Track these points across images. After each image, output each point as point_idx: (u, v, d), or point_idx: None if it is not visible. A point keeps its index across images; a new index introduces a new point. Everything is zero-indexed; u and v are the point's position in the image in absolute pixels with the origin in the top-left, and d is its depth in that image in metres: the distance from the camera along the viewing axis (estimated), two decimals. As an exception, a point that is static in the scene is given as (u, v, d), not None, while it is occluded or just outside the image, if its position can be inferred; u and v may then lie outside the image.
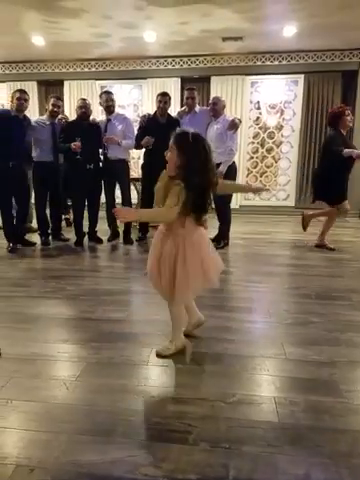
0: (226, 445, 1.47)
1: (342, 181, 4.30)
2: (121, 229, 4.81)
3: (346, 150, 4.07)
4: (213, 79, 6.52)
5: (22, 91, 4.26)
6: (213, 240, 4.66)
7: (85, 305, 2.82)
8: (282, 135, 6.85)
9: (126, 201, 4.73)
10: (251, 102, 6.75)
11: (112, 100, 4.61)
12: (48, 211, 4.82)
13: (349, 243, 4.81)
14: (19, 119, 4.23)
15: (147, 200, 4.87)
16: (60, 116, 4.76)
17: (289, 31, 5.46)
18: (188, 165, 1.80)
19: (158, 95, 4.68)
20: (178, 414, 1.65)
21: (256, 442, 1.47)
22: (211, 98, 4.84)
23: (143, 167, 4.82)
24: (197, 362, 2.08)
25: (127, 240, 4.75)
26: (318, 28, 5.38)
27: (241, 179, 6.31)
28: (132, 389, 1.82)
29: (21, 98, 4.17)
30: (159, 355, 2.09)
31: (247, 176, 6.99)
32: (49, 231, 4.78)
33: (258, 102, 6.77)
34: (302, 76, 6.54)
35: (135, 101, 7.02)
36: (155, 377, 1.95)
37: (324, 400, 1.71)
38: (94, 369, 1.99)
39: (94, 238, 4.76)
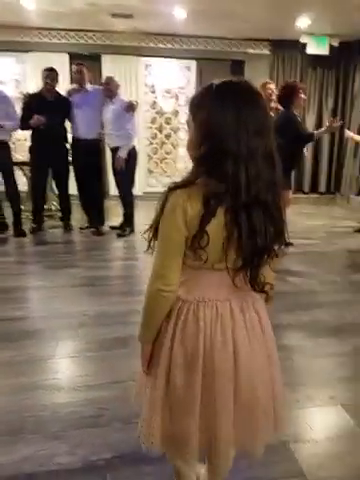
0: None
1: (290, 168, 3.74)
2: (10, 220, 4.33)
3: (319, 131, 3.69)
4: (104, 58, 6.18)
5: None
6: (118, 228, 4.48)
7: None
8: (178, 121, 6.88)
9: (11, 188, 4.22)
10: (146, 85, 6.61)
11: None
12: None
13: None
14: None
15: (38, 186, 4.47)
16: None
17: (180, 14, 5.44)
18: (207, 135, 0.82)
19: (44, 70, 4.30)
20: (91, 400, 1.67)
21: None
22: (104, 78, 4.60)
23: (31, 150, 4.39)
24: (107, 348, 2.08)
25: (18, 232, 4.28)
26: (207, 14, 5.45)
27: (142, 165, 6.16)
28: (41, 385, 1.78)
29: None
30: None
31: (148, 162, 6.88)
32: None
33: (153, 86, 6.67)
34: (194, 62, 6.62)
35: (17, 76, 6.30)
36: (64, 369, 1.94)
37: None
38: (-1, 370, 1.89)
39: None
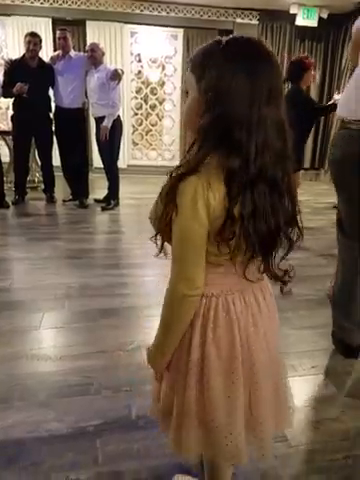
0: (127, 388, 1.56)
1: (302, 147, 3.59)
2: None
3: (334, 99, 3.45)
4: (89, 24, 5.92)
5: None
6: (103, 201, 4.41)
7: None
8: (164, 92, 6.71)
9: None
10: (132, 54, 6.38)
11: None
12: None
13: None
14: None
15: (20, 157, 4.33)
16: None
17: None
18: (216, 99, 0.69)
19: (26, 35, 4.09)
20: (78, 370, 1.67)
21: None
22: (88, 44, 4.42)
23: (13, 118, 4.24)
24: (93, 319, 2.09)
25: (1, 204, 4.17)
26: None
27: (126, 137, 6.02)
28: (26, 354, 1.78)
29: None
30: None
31: (133, 133, 6.74)
32: None
33: (139, 54, 6.44)
34: (181, 30, 6.40)
35: (-3, 41, 5.99)
36: (49, 340, 1.93)
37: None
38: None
39: None
